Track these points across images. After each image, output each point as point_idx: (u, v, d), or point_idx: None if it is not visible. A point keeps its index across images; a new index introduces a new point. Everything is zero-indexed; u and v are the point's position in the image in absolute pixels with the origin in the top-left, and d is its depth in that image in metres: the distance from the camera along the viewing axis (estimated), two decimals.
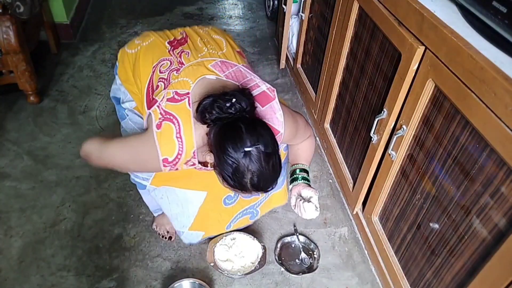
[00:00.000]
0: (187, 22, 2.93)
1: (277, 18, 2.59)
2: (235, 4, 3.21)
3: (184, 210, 1.30)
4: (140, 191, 1.42)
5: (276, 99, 1.11)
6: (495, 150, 0.79)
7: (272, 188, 1.03)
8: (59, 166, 1.76)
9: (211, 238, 1.43)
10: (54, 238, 1.49)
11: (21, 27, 1.88)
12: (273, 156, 0.98)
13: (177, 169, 1.08)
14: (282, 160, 1.27)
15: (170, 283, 1.32)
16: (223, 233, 1.44)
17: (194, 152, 1.03)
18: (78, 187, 1.68)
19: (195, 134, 1.01)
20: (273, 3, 2.83)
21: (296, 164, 1.28)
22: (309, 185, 1.26)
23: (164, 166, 1.02)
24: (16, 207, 1.58)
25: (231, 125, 0.95)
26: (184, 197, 1.28)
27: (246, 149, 0.92)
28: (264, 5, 3.08)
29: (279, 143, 1.09)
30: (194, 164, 1.07)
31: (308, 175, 1.28)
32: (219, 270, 1.36)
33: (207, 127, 1.00)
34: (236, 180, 0.96)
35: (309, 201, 1.21)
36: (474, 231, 0.89)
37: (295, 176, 1.27)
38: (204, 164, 1.09)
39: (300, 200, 1.21)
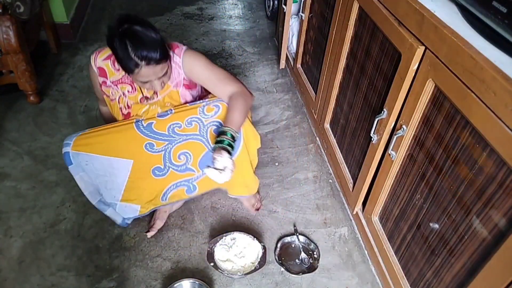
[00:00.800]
0: (187, 22, 2.94)
1: (277, 18, 2.59)
2: (235, 4, 3.21)
3: (112, 178, 1.39)
4: (70, 170, 1.37)
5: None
6: (495, 150, 0.79)
7: (160, 56, 1.17)
8: (59, 166, 1.76)
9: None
10: (54, 238, 1.49)
11: (21, 27, 1.88)
12: (144, 27, 1.17)
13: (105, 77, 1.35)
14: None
15: (170, 283, 1.32)
16: (160, 206, 1.49)
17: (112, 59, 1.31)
18: (78, 187, 1.67)
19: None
20: (273, 3, 2.83)
21: (226, 127, 1.26)
22: (228, 151, 1.23)
23: (93, 52, 1.36)
24: (16, 207, 1.58)
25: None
26: (109, 165, 1.37)
27: (120, 30, 1.15)
28: (264, 5, 3.08)
29: (179, 61, 1.32)
30: (119, 70, 1.32)
31: (234, 141, 1.27)
32: (219, 270, 1.36)
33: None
34: (124, 58, 1.15)
35: (212, 166, 1.21)
36: (474, 231, 0.89)
37: (220, 138, 1.24)
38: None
39: (207, 165, 1.22)
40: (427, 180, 1.06)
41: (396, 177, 1.22)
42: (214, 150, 1.24)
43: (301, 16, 2.00)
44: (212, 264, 1.37)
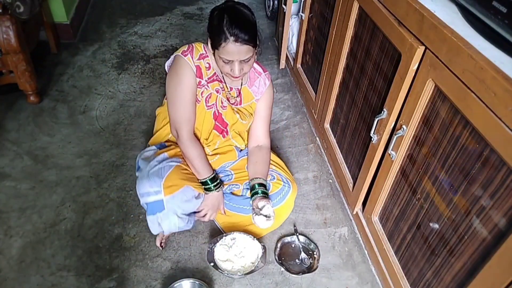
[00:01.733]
0: (187, 22, 2.94)
1: (277, 18, 2.59)
2: None
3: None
4: (156, 218, 1.32)
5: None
6: (495, 150, 0.79)
7: (248, 37, 1.20)
8: (59, 166, 1.76)
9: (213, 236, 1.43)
10: (54, 238, 1.49)
11: (21, 27, 1.88)
12: (245, 9, 1.26)
13: (200, 73, 1.36)
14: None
15: (170, 283, 1.32)
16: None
17: (204, 47, 1.37)
18: (78, 187, 1.68)
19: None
20: (273, 3, 2.83)
21: (254, 178, 1.45)
22: (265, 197, 1.42)
23: (184, 54, 1.34)
24: (16, 207, 1.58)
25: None
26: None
27: (224, 4, 1.26)
28: (264, 5, 3.08)
29: (268, 83, 1.49)
30: (209, 68, 1.38)
31: (266, 188, 1.44)
32: (219, 270, 1.36)
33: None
34: (217, 29, 1.21)
35: (260, 213, 1.38)
36: (474, 231, 0.89)
37: (255, 190, 1.43)
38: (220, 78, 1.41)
39: (253, 213, 1.39)
40: (427, 180, 1.06)
41: (396, 177, 1.22)
42: (254, 200, 1.41)
43: (301, 16, 2.00)
44: (212, 264, 1.37)
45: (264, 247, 1.42)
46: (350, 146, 1.55)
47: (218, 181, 1.44)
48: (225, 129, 1.48)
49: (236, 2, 1.28)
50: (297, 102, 2.21)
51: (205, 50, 1.37)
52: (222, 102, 1.43)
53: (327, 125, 1.79)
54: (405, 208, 1.18)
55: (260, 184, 1.43)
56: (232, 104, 1.46)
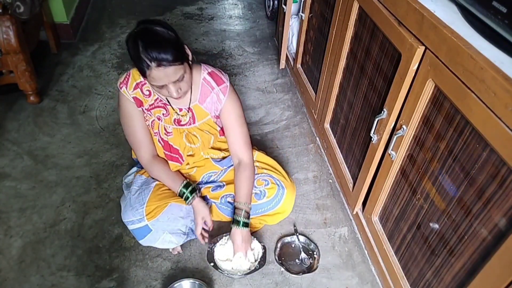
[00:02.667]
0: (187, 22, 2.94)
1: (277, 18, 2.59)
2: (235, 4, 3.22)
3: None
4: (147, 241, 1.36)
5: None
6: (495, 150, 0.79)
7: (171, 57, 1.08)
8: (59, 166, 1.76)
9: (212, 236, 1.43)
10: (54, 238, 1.49)
11: (21, 27, 1.88)
12: (159, 26, 1.11)
13: (143, 108, 1.30)
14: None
15: (170, 283, 1.32)
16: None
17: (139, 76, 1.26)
18: (78, 187, 1.68)
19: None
20: (273, 3, 2.83)
21: (239, 202, 1.38)
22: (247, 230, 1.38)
23: (120, 86, 1.27)
24: (16, 207, 1.58)
25: None
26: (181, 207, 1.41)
27: (135, 30, 1.11)
28: (264, 5, 3.08)
29: (222, 98, 1.32)
30: (150, 95, 1.29)
31: (249, 217, 1.39)
32: (219, 270, 1.36)
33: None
34: (136, 58, 1.09)
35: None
36: (474, 231, 0.89)
37: (237, 219, 1.36)
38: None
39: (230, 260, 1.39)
40: (427, 180, 1.06)
41: (396, 177, 1.22)
42: (235, 230, 1.37)
43: (301, 16, 2.00)
44: (212, 264, 1.37)
45: (264, 247, 1.42)
46: (350, 146, 1.55)
47: (192, 186, 1.37)
48: (178, 155, 1.40)
49: (149, 21, 1.13)
50: (297, 102, 2.21)
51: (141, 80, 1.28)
52: (165, 129, 1.35)
53: (327, 125, 1.79)
54: (405, 208, 1.18)
55: (246, 212, 1.37)
56: (184, 125, 1.35)
